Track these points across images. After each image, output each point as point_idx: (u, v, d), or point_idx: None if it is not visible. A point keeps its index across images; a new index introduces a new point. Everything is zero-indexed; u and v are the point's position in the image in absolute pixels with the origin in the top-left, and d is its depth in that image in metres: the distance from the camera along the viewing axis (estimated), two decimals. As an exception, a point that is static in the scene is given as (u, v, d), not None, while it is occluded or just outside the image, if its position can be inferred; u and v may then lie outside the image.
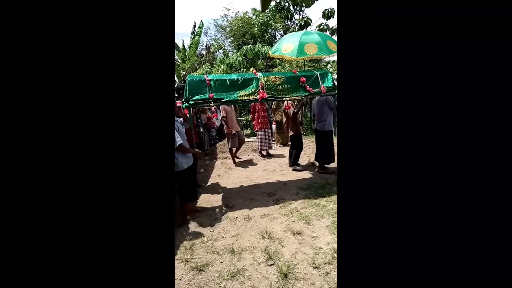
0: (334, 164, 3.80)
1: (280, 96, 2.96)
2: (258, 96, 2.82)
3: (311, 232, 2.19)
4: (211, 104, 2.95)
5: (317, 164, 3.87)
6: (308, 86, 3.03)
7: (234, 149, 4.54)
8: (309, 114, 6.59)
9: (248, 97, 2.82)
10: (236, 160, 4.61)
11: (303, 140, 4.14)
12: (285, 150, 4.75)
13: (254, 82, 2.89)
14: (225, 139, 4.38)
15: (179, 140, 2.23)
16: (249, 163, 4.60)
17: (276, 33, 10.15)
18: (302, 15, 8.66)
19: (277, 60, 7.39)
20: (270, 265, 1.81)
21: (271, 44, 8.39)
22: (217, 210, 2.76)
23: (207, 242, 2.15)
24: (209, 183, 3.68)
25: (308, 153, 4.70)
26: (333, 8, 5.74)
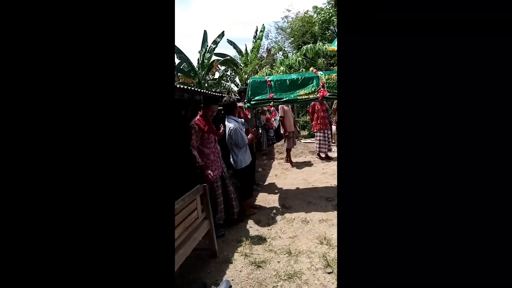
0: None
1: None
2: (318, 95, 2.74)
3: (376, 244, 2.00)
4: (271, 104, 3.01)
5: None
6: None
7: (291, 149, 4.52)
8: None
9: (308, 96, 2.77)
10: (284, 161, 4.57)
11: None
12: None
13: (314, 81, 2.82)
14: (283, 140, 4.40)
15: (242, 140, 2.35)
16: (306, 165, 4.51)
17: (339, 29, 9.61)
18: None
19: (339, 58, 7.00)
20: (329, 273, 1.74)
21: (332, 41, 8.02)
22: (274, 210, 2.80)
23: (265, 240, 2.21)
24: (266, 183, 3.76)
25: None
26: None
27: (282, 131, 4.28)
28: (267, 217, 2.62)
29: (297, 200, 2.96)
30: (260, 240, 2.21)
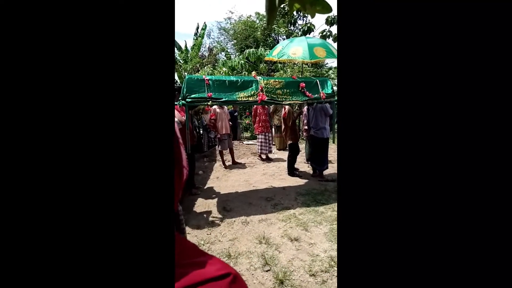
0: (329, 171, 3.81)
1: (279, 100, 2.96)
2: (257, 98, 2.83)
3: (309, 239, 2.17)
4: (209, 103, 2.94)
5: (310, 166, 3.92)
6: (307, 92, 3.04)
7: (224, 151, 4.50)
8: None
9: (247, 99, 2.83)
10: (227, 163, 4.55)
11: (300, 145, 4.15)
12: (285, 155, 4.74)
13: (253, 84, 2.90)
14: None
15: None
16: (248, 166, 4.59)
17: (279, 37, 10.22)
18: (306, 21, 8.73)
19: (279, 64, 7.42)
20: (267, 271, 1.79)
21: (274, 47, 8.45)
22: (215, 213, 2.74)
23: (203, 245, 2.13)
24: (207, 186, 3.66)
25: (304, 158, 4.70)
26: (336, 16, 5.81)
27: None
28: (206, 221, 2.55)
29: (238, 202, 2.97)
30: (198, 245, 2.12)
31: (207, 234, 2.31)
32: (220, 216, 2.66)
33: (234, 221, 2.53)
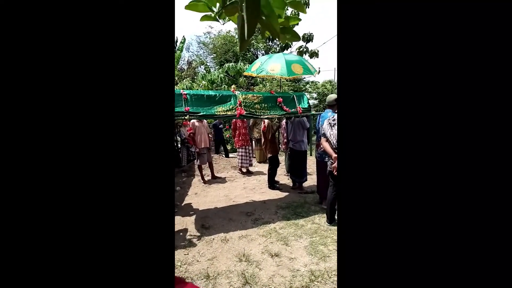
0: (308, 183, 3.88)
1: (258, 114, 3.01)
2: (236, 112, 2.85)
3: (289, 254, 2.15)
4: (186, 118, 2.91)
5: (290, 179, 3.98)
6: (284, 106, 3.13)
7: (203, 166, 4.42)
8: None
9: (225, 113, 2.83)
10: (206, 178, 4.46)
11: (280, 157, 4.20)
12: (265, 167, 4.76)
13: (232, 99, 2.92)
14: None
15: None
16: (228, 180, 4.53)
17: (258, 52, 10.51)
18: (283, 37, 9.07)
19: (258, 78, 7.58)
20: (247, 291, 1.74)
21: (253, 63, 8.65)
22: (192, 231, 2.64)
23: (180, 266, 2.03)
24: (185, 202, 3.54)
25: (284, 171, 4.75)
26: (312, 33, 6.14)
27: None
28: (183, 241, 2.44)
29: (217, 219, 2.90)
30: (175, 268, 2.01)
31: (185, 254, 2.21)
32: (198, 234, 2.57)
33: (213, 239, 2.45)
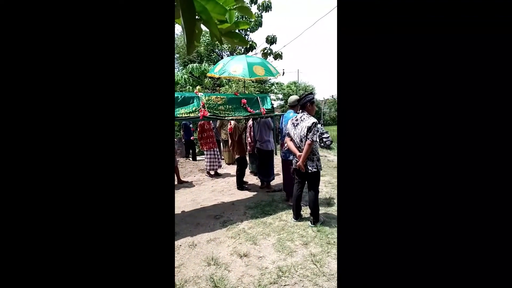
0: (276, 181, 3.99)
1: (222, 115, 3.00)
2: (199, 114, 2.80)
3: (258, 253, 2.18)
4: None
5: (258, 179, 4.04)
6: (248, 107, 3.17)
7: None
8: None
9: (188, 115, 2.77)
10: (179, 181, 4.36)
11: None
12: (234, 169, 4.75)
13: (195, 100, 2.87)
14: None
15: None
16: (195, 184, 4.42)
17: (223, 53, 10.44)
18: (248, 39, 9.16)
19: (223, 79, 7.53)
20: (215, 295, 1.72)
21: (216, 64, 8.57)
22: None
23: (144, 278, 1.93)
24: (150, 209, 3.36)
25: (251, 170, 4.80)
26: (275, 35, 6.29)
27: None
28: (149, 250, 2.32)
29: (184, 224, 2.81)
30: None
31: (149, 264, 2.10)
32: (164, 242, 2.46)
33: (180, 245, 2.38)
